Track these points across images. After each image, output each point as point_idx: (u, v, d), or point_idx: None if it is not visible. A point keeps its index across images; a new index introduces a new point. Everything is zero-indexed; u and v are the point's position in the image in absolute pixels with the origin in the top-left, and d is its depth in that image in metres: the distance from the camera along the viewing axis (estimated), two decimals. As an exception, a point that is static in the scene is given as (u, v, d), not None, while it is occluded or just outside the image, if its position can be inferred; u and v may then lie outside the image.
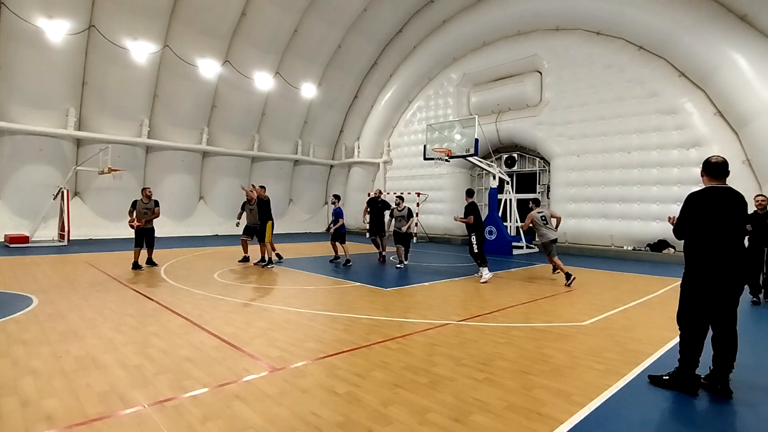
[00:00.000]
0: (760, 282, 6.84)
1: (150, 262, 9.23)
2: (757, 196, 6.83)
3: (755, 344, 4.67)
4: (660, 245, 12.44)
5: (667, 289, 7.73)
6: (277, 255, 10.28)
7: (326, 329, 4.83)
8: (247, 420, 2.71)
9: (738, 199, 3.23)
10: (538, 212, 8.37)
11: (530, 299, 6.70)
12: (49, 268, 8.63)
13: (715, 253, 3.15)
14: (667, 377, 3.34)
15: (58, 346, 4.04)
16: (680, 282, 3.43)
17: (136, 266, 8.74)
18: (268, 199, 9.89)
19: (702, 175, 3.44)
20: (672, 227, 3.55)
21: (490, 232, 13.82)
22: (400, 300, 6.48)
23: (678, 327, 3.42)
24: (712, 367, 3.31)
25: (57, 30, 12.68)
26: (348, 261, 10.18)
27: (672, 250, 12.21)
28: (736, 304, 3.21)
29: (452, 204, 17.86)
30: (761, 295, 6.86)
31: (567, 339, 4.60)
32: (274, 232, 9.88)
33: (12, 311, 5.26)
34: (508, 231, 14.61)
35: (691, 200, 3.32)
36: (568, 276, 7.88)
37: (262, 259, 9.79)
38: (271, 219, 9.74)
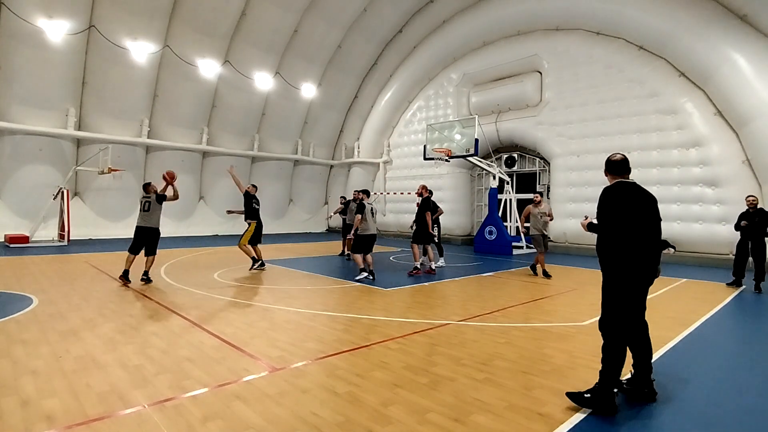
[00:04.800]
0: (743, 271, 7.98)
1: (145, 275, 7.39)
2: (749, 196, 7.93)
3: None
4: (660, 245, 12.42)
5: (667, 289, 7.74)
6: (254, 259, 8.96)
7: (326, 329, 4.83)
8: (247, 420, 2.71)
9: (648, 193, 3.18)
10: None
11: (530, 299, 6.70)
12: (49, 268, 8.63)
13: (643, 248, 3.04)
14: (589, 395, 2.96)
15: (58, 346, 4.04)
16: (604, 285, 3.11)
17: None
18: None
19: (606, 174, 3.35)
20: (587, 227, 3.35)
21: (490, 233, 13.83)
22: (400, 300, 6.48)
23: (607, 336, 3.03)
24: (633, 371, 3.20)
25: (57, 30, 12.68)
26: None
27: (672, 250, 12.14)
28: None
29: (452, 204, 17.85)
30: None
31: (567, 339, 4.60)
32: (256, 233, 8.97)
33: (12, 311, 5.26)
34: (508, 231, 14.61)
35: (611, 194, 3.13)
36: (546, 273, 8.80)
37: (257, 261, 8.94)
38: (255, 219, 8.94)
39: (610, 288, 3.07)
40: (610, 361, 2.95)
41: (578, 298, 6.89)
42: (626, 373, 3.23)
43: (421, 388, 3.25)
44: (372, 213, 8.12)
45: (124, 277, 7.16)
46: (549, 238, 9.29)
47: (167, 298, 6.18)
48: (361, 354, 4.01)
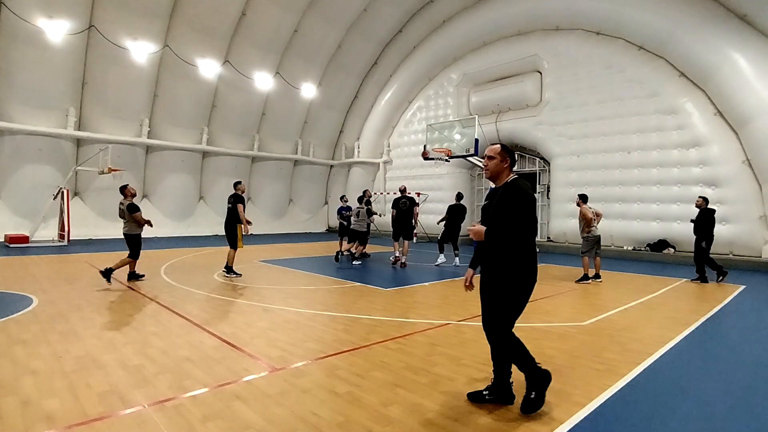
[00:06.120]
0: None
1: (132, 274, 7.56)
2: (699, 197, 8.80)
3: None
4: (660, 245, 12.44)
5: (667, 289, 7.73)
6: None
7: (326, 329, 4.83)
8: (247, 420, 2.71)
9: None
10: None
11: (530, 299, 6.68)
12: (49, 268, 8.63)
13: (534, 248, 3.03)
14: (533, 394, 2.87)
15: (58, 346, 4.04)
16: (506, 286, 3.02)
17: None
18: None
19: (506, 166, 3.01)
20: (485, 234, 2.95)
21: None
22: (400, 300, 6.48)
23: (506, 343, 3.01)
24: (494, 380, 3.11)
25: (57, 30, 12.68)
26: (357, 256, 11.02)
27: (672, 250, 12.20)
28: None
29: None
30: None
31: (567, 339, 4.60)
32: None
33: (12, 311, 5.26)
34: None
35: (531, 195, 2.89)
36: (586, 277, 8.37)
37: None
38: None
39: (514, 292, 3.03)
40: (519, 355, 2.97)
41: (578, 298, 6.88)
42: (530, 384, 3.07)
43: (421, 388, 3.25)
44: (358, 215, 10.63)
45: (131, 277, 7.51)
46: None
47: (167, 298, 6.18)
48: (361, 354, 4.01)
